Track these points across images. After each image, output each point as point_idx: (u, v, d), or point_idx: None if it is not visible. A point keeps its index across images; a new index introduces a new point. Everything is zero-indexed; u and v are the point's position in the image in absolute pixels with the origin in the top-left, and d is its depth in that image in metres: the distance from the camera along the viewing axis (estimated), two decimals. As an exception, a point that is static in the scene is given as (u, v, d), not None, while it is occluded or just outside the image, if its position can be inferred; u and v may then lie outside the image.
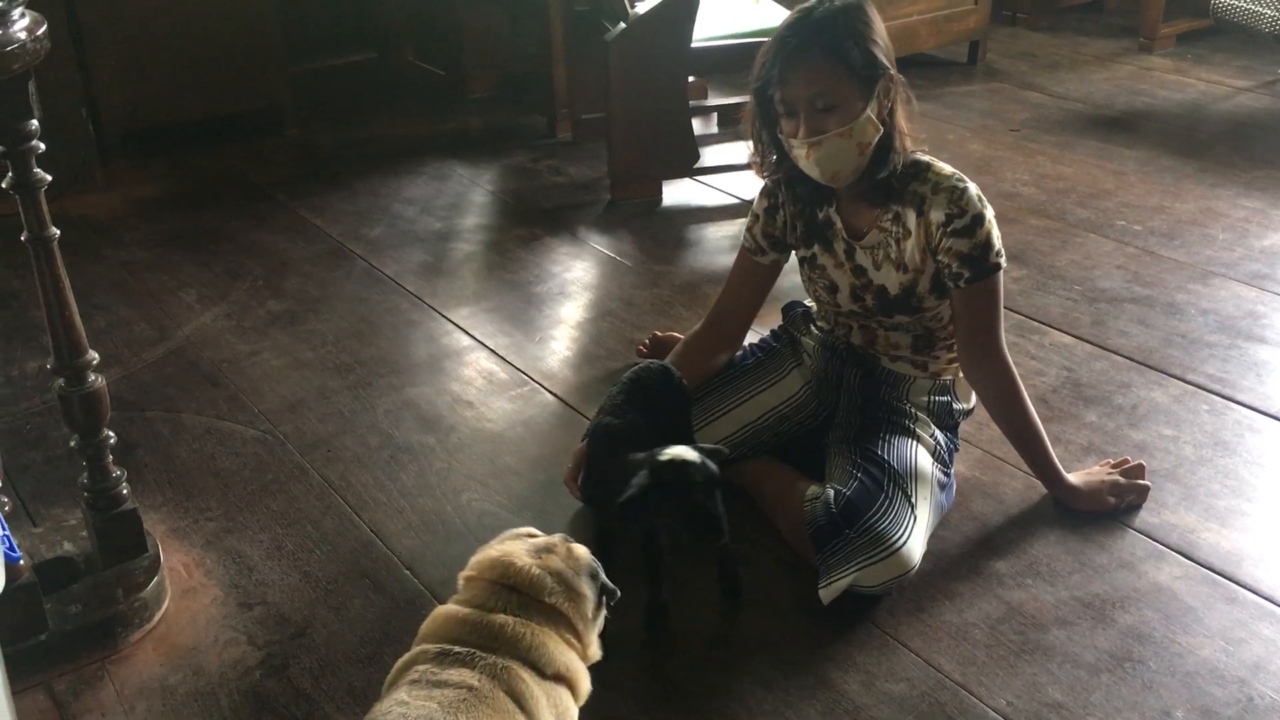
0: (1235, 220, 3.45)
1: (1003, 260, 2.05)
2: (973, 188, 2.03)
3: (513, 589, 1.40)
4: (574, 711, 1.39)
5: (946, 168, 2.06)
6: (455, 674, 1.31)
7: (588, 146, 4.15)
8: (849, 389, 2.23)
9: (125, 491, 1.93)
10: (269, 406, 2.59)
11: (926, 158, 2.07)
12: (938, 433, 2.19)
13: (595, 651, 1.46)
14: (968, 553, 2.07)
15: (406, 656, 1.39)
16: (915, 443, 2.12)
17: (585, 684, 1.43)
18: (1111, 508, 2.15)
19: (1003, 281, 2.07)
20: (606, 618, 1.51)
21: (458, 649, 1.35)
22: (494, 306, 3.09)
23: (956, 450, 2.25)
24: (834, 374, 2.26)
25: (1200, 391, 2.56)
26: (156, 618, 1.94)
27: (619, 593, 1.50)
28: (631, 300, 3.11)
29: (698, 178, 3.87)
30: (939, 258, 2.03)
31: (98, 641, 1.86)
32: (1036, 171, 3.89)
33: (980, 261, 2.02)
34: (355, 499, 2.27)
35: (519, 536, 1.49)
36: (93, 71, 3.91)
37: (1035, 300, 3.00)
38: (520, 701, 1.31)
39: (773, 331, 2.42)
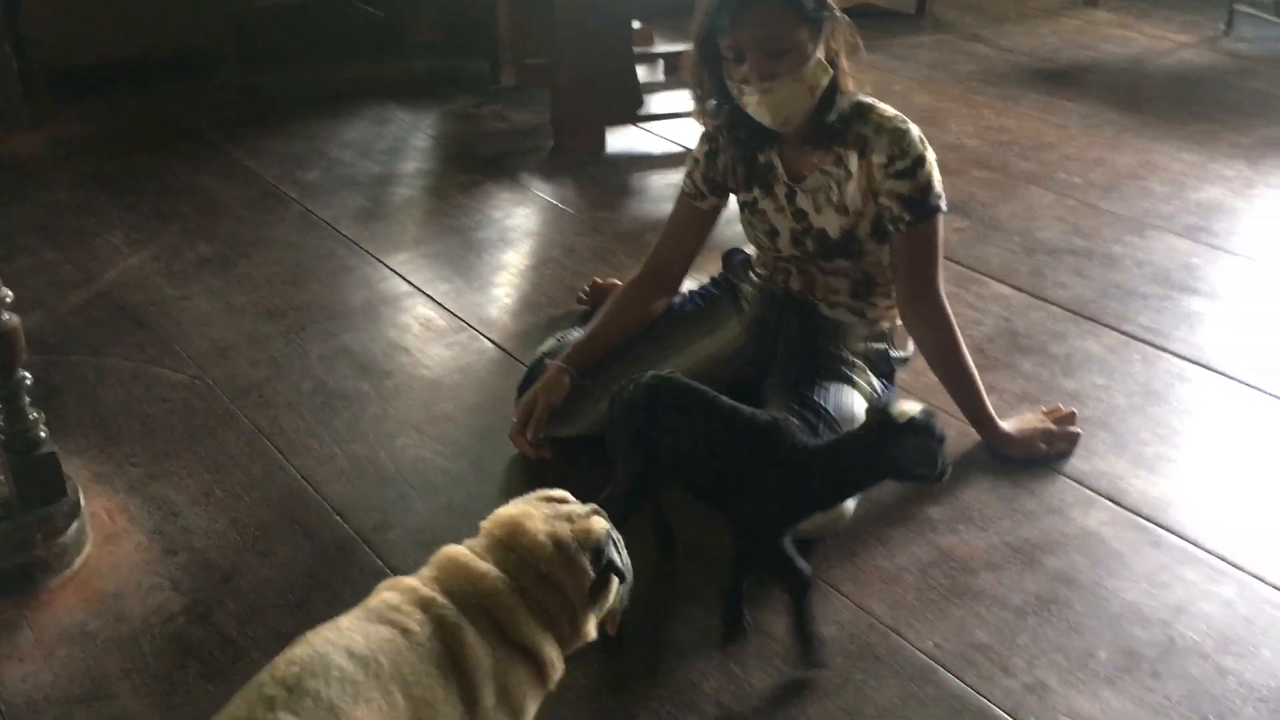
0: (1173, 173, 3.48)
1: (943, 204, 2.04)
2: (914, 129, 2.02)
3: (512, 550, 1.34)
4: (523, 689, 1.32)
5: (889, 109, 2.05)
6: (406, 612, 1.27)
7: (532, 92, 4.09)
8: (788, 336, 2.22)
9: (43, 435, 1.88)
10: (198, 351, 2.54)
11: (869, 99, 2.05)
12: (874, 380, 2.19)
13: (589, 631, 1.39)
14: (901, 499, 2.08)
15: (394, 579, 1.35)
16: (852, 389, 2.12)
17: (556, 667, 1.36)
18: (1043, 454, 2.17)
19: (942, 226, 2.06)
20: (622, 600, 1.43)
21: (425, 590, 1.30)
22: (433, 253, 3.04)
23: (894, 398, 2.26)
24: (773, 321, 2.25)
25: (1133, 341, 2.58)
26: (77, 563, 1.89)
27: (628, 576, 1.41)
28: (573, 248, 3.08)
29: (642, 125, 3.84)
30: (880, 200, 2.03)
31: (15, 587, 1.82)
32: (981, 123, 3.90)
33: (920, 204, 2.01)
34: (286, 445, 2.23)
35: (548, 499, 1.43)
36: (19, 6, 3.77)
37: (975, 251, 3.00)
38: (457, 659, 1.26)
39: (712, 278, 2.40)
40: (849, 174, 2.04)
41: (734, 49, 1.94)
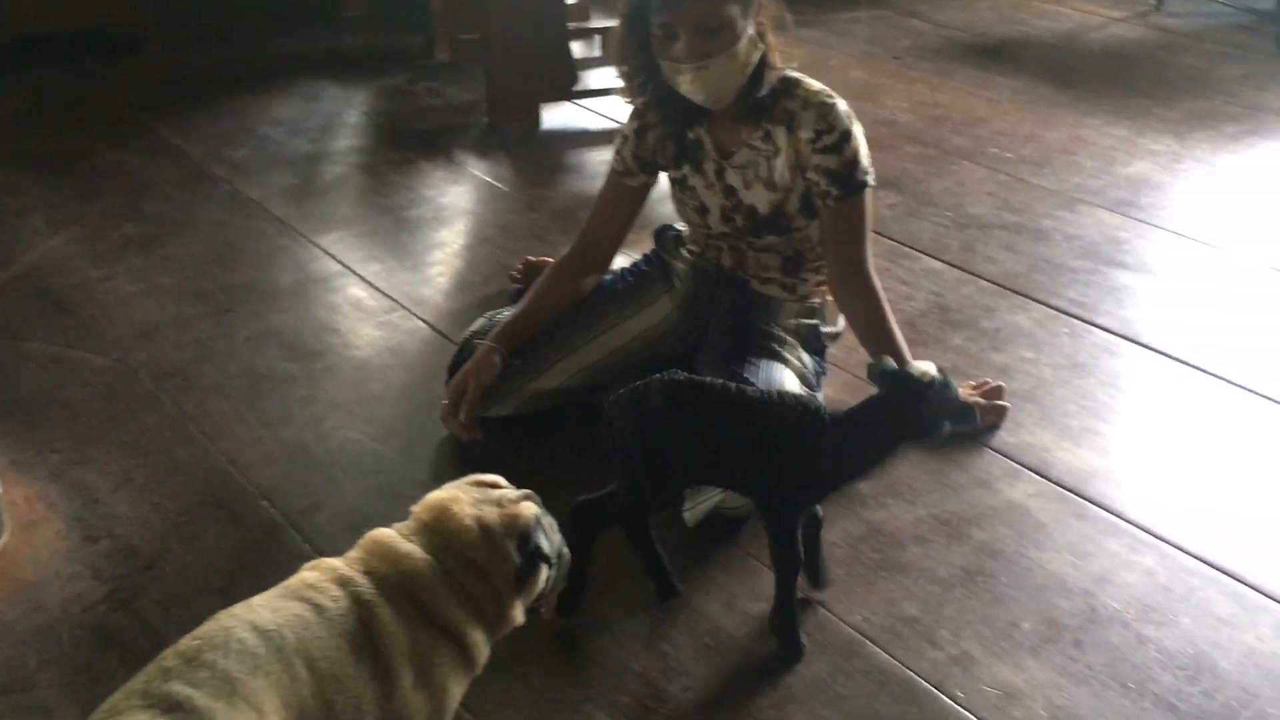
0: (1103, 148, 3.52)
1: (870, 179, 2.05)
2: (841, 104, 2.02)
3: (439, 533, 1.34)
4: (445, 671, 1.31)
5: (815, 84, 2.05)
6: (321, 590, 1.27)
7: (466, 68, 4.05)
8: (719, 313, 2.22)
9: (-44, 422, 1.83)
10: (121, 334, 2.49)
11: (795, 74, 2.05)
12: (805, 356, 2.19)
13: (516, 616, 1.39)
14: (831, 474, 2.09)
15: (318, 560, 1.35)
16: (783, 366, 2.13)
17: (480, 651, 1.36)
18: (971, 428, 2.19)
19: (871, 200, 2.07)
20: (552, 583, 1.44)
21: (345, 569, 1.31)
22: (365, 232, 3.00)
23: (824, 374, 2.27)
24: (704, 298, 2.24)
25: (1061, 315, 2.62)
26: (-5, 553, 1.86)
27: (554, 561, 1.41)
28: (507, 226, 3.05)
29: (577, 101, 3.81)
30: (808, 175, 2.03)
31: (-71, 578, 1.78)
32: (915, 99, 3.92)
33: (848, 179, 2.02)
34: (212, 428, 2.19)
35: (479, 483, 1.43)
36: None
37: (908, 226, 3.02)
38: (372, 637, 1.26)
39: (645, 256, 2.39)
40: (777, 149, 2.04)
41: (666, 28, 1.93)
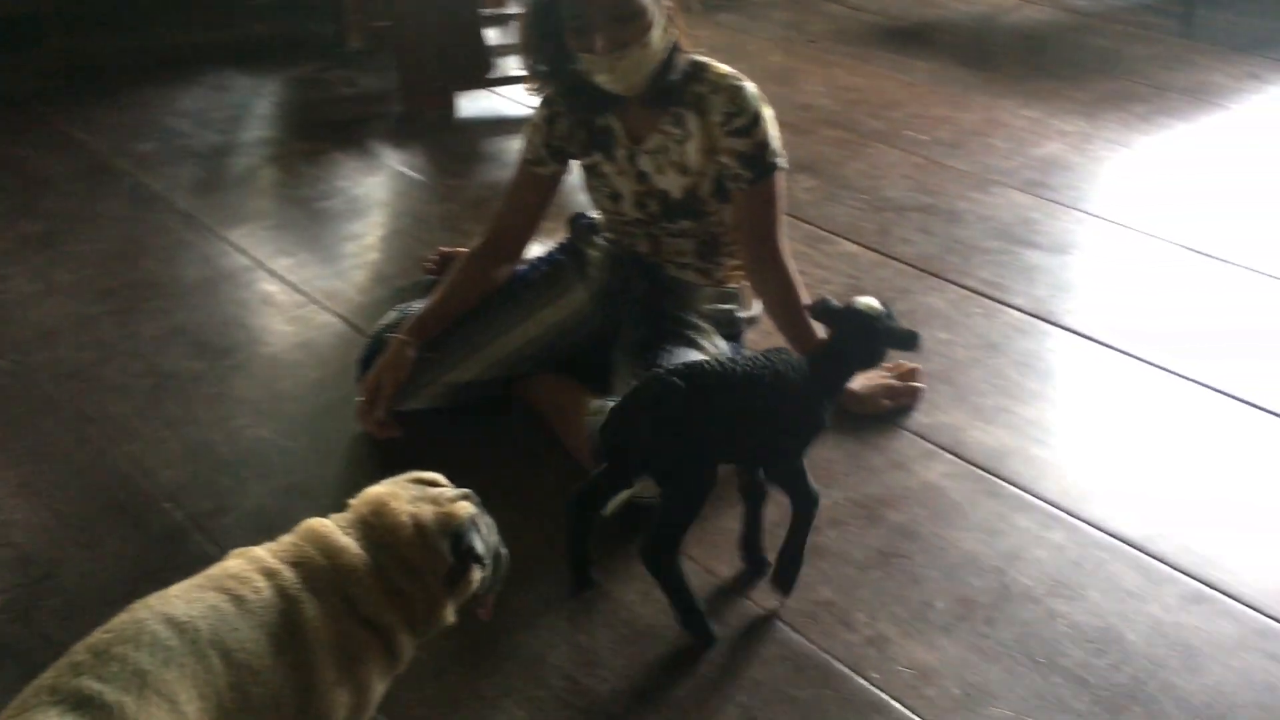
0: (1016, 130, 3.56)
1: (781, 161, 2.05)
2: (750, 86, 2.01)
3: (375, 528, 1.32)
4: (369, 666, 1.29)
5: (723, 67, 2.04)
6: (243, 579, 1.25)
7: (379, 56, 3.98)
8: (634, 300, 2.21)
9: None
10: (19, 335, 2.41)
11: (703, 58, 2.04)
12: (720, 342, 2.19)
13: (446, 615, 1.37)
14: (749, 460, 2.09)
15: (245, 549, 1.32)
16: (699, 353, 2.12)
17: (406, 649, 1.35)
18: (887, 410, 2.21)
19: (782, 183, 2.07)
20: (488, 584, 1.42)
21: (270, 560, 1.28)
22: (275, 225, 2.94)
23: (741, 359, 2.27)
24: (619, 286, 2.23)
25: (975, 296, 2.64)
26: (-117, 566, 1.78)
27: (487, 561, 1.38)
28: (422, 216, 3.01)
29: (493, 88, 3.76)
30: (719, 158, 2.02)
31: None
32: (832, 83, 3.93)
33: (759, 161, 2.01)
34: (114, 431, 2.13)
35: (418, 480, 1.41)
36: None
37: (825, 210, 3.03)
38: (294, 628, 1.24)
39: (559, 244, 2.36)
40: (688, 134, 2.03)
41: (580, 20, 1.90)
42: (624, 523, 1.90)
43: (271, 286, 2.64)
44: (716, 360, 1.64)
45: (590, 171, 2.16)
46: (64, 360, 2.33)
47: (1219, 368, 2.39)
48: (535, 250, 2.33)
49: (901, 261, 2.78)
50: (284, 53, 4.08)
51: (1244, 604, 1.79)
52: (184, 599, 1.22)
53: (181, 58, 4.00)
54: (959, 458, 2.11)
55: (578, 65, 1.96)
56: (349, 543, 1.30)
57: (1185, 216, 3.05)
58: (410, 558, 1.32)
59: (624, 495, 1.88)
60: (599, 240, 2.29)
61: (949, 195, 3.12)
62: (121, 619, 1.19)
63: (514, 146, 3.43)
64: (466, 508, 1.38)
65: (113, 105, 3.60)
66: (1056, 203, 3.10)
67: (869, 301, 1.71)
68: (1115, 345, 2.46)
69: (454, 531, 1.34)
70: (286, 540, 1.33)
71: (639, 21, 1.89)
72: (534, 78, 2.08)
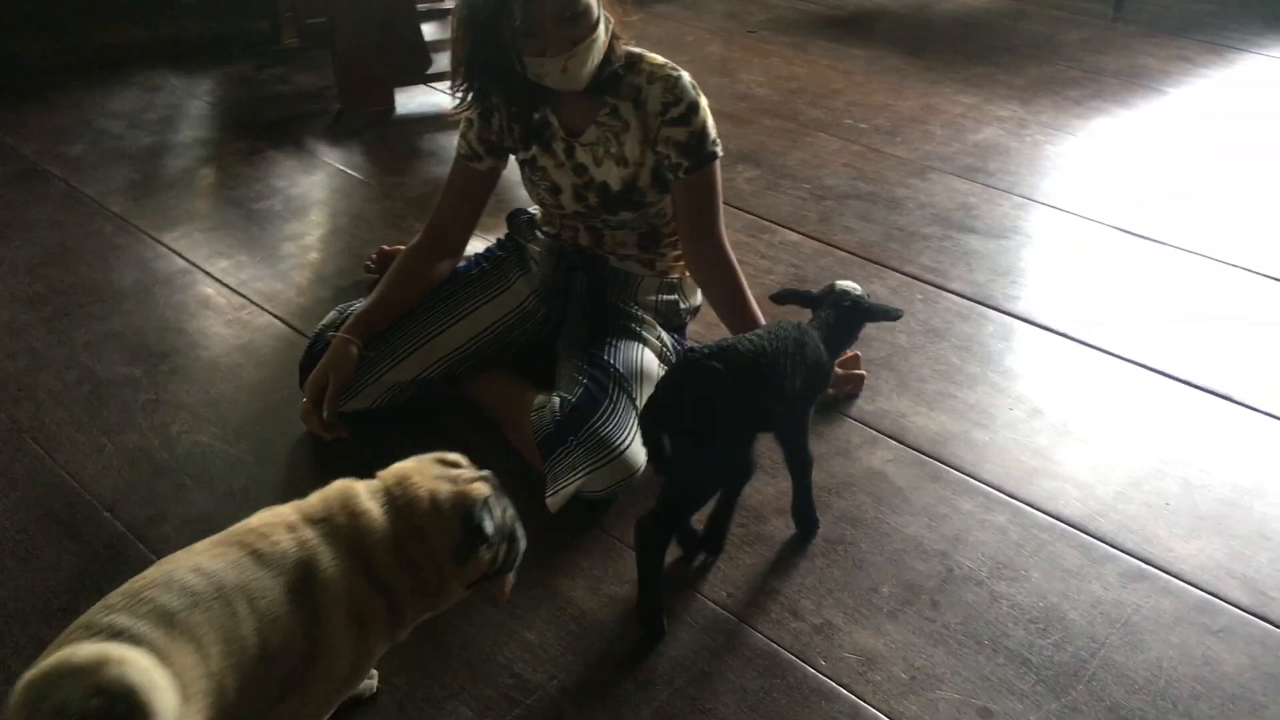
0: (953, 116, 3.59)
1: (719, 149, 2.05)
2: (686, 76, 2.01)
3: (397, 498, 1.40)
4: (373, 625, 1.36)
5: (658, 58, 2.04)
6: (264, 534, 1.33)
7: (315, 53, 3.94)
8: (576, 294, 2.20)
9: None
10: (-52, 345, 2.35)
11: (637, 49, 2.04)
12: (664, 334, 2.19)
13: (455, 590, 1.43)
14: (694, 451, 2.09)
15: (273, 507, 1.40)
16: (641, 345, 2.12)
17: (408, 618, 1.41)
18: (831, 398, 2.22)
19: (719, 172, 2.07)
20: (501, 564, 1.45)
21: (293, 517, 1.36)
22: (211, 226, 2.89)
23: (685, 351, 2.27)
24: (561, 279, 2.22)
25: (915, 282, 2.66)
26: None
27: (494, 541, 1.42)
28: (362, 215, 2.98)
29: (431, 84, 3.73)
30: (658, 148, 2.02)
31: None
32: (771, 72, 3.94)
33: (698, 150, 2.01)
34: (49, 440, 2.09)
35: (440, 460, 1.49)
36: None
37: (766, 200, 3.04)
38: (310, 581, 1.31)
39: (499, 240, 2.35)
40: (626, 125, 2.02)
41: (529, 23, 1.86)
42: (568, 518, 1.90)
43: (209, 289, 2.60)
44: (744, 339, 1.67)
45: (528, 165, 2.15)
46: (-5, 370, 2.29)
47: (1155, 348, 2.43)
48: (475, 246, 2.31)
49: (843, 250, 2.79)
50: (218, 51, 4.02)
51: (1182, 580, 1.83)
52: (210, 552, 1.30)
53: (112, 57, 3.93)
54: (902, 443, 2.13)
55: (520, 69, 1.93)
56: (372, 507, 1.38)
57: (1120, 199, 3.10)
58: (425, 530, 1.38)
59: (569, 489, 1.89)
60: (539, 235, 2.28)
61: (889, 182, 3.14)
62: (153, 570, 1.27)
63: (453, 143, 3.40)
64: (482, 489, 1.44)
65: (41, 107, 3.52)
66: (994, 188, 3.14)
67: (850, 285, 1.90)
68: (1054, 328, 2.49)
69: (465, 510, 1.40)
70: (314, 498, 1.41)
71: (586, 19, 1.88)
72: (470, 89, 2.04)
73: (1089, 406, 2.25)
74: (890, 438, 2.14)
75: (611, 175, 2.07)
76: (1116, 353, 2.41)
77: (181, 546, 1.81)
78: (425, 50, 3.62)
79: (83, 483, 1.99)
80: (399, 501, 1.39)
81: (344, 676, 1.36)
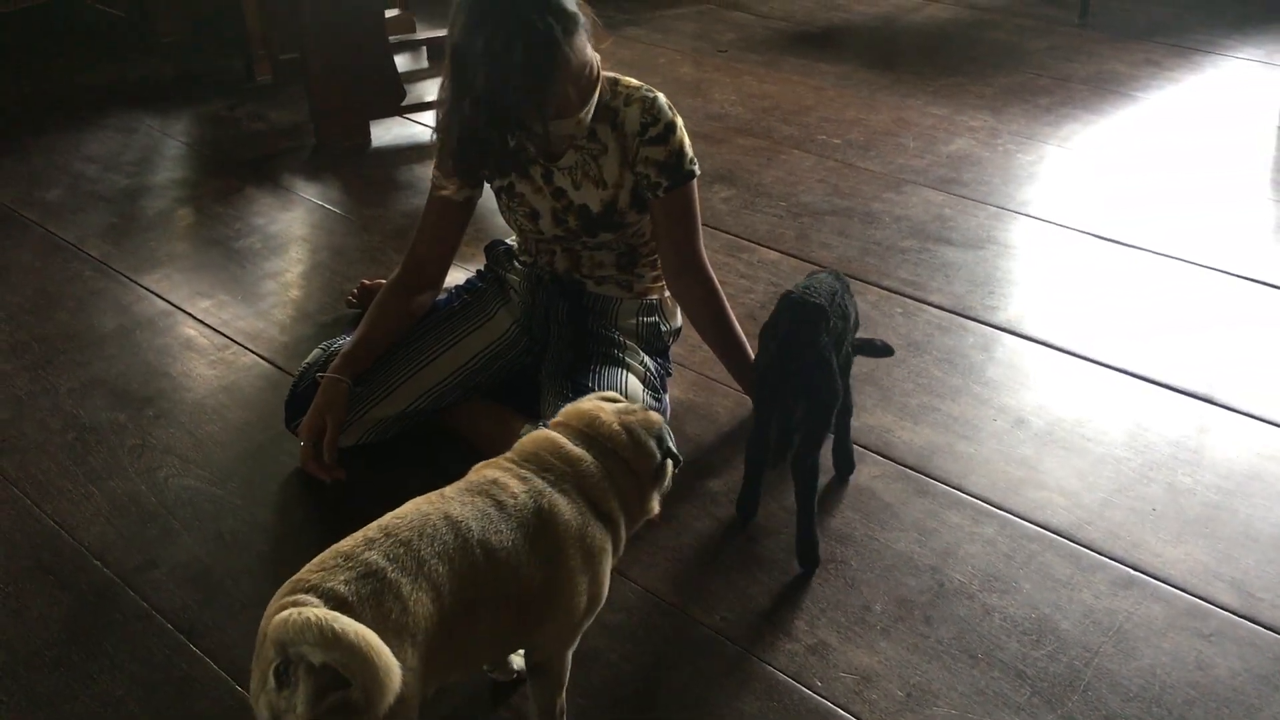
0: (925, 128, 3.62)
1: (696, 167, 2.08)
2: (662, 97, 2.04)
3: (594, 438, 1.52)
4: (607, 554, 1.50)
5: (633, 80, 2.06)
6: (506, 485, 1.44)
7: (289, 89, 3.94)
8: (558, 322, 2.21)
9: None
10: (-71, 398, 2.34)
11: (611, 73, 2.05)
12: (647, 359, 2.20)
13: (654, 506, 1.58)
14: (683, 475, 2.08)
15: (492, 460, 1.51)
16: (625, 371, 2.13)
17: (624, 540, 1.55)
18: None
19: (697, 190, 2.09)
20: (672, 476, 1.60)
21: (522, 469, 1.48)
22: (191, 267, 2.89)
23: (669, 375, 2.28)
24: (542, 308, 2.23)
25: (894, 295, 2.68)
26: None
27: (682, 460, 1.61)
28: (341, 249, 2.98)
29: (407, 115, 3.74)
30: (637, 169, 2.04)
31: None
32: (744, 91, 3.97)
33: (676, 169, 2.04)
34: (35, 490, 2.08)
35: (605, 398, 1.63)
36: None
37: (744, 219, 3.06)
38: (548, 527, 1.42)
39: (478, 271, 2.36)
40: (604, 148, 2.04)
41: (554, 94, 1.88)
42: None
43: (191, 330, 2.60)
44: (817, 278, 1.92)
45: (505, 193, 2.16)
46: (-22, 420, 2.28)
47: (1135, 353, 2.45)
48: (454, 278, 2.32)
49: (822, 266, 2.81)
50: (192, 91, 4.02)
51: (1172, 585, 1.84)
52: (458, 501, 1.41)
53: (85, 100, 3.93)
54: (888, 458, 2.14)
55: (543, 135, 1.93)
56: (582, 452, 1.50)
57: (1095, 205, 3.13)
58: (629, 459, 1.53)
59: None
60: (517, 264, 2.28)
61: (864, 197, 3.17)
62: (408, 508, 1.40)
63: (430, 173, 3.42)
64: (657, 415, 1.60)
65: (15, 152, 3.51)
66: (968, 199, 3.16)
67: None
68: (1034, 337, 2.51)
69: (657, 433, 1.56)
70: (526, 452, 1.51)
71: (594, 71, 1.92)
72: (471, 172, 2.06)
73: (1072, 414, 2.26)
74: (876, 453, 2.15)
75: (591, 197, 2.08)
76: (1097, 359, 2.43)
77: (174, 592, 1.83)
78: (399, 82, 3.63)
79: (71, 531, 1.98)
80: (599, 440, 1.52)
81: (584, 609, 1.48)
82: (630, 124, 2.02)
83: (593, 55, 1.93)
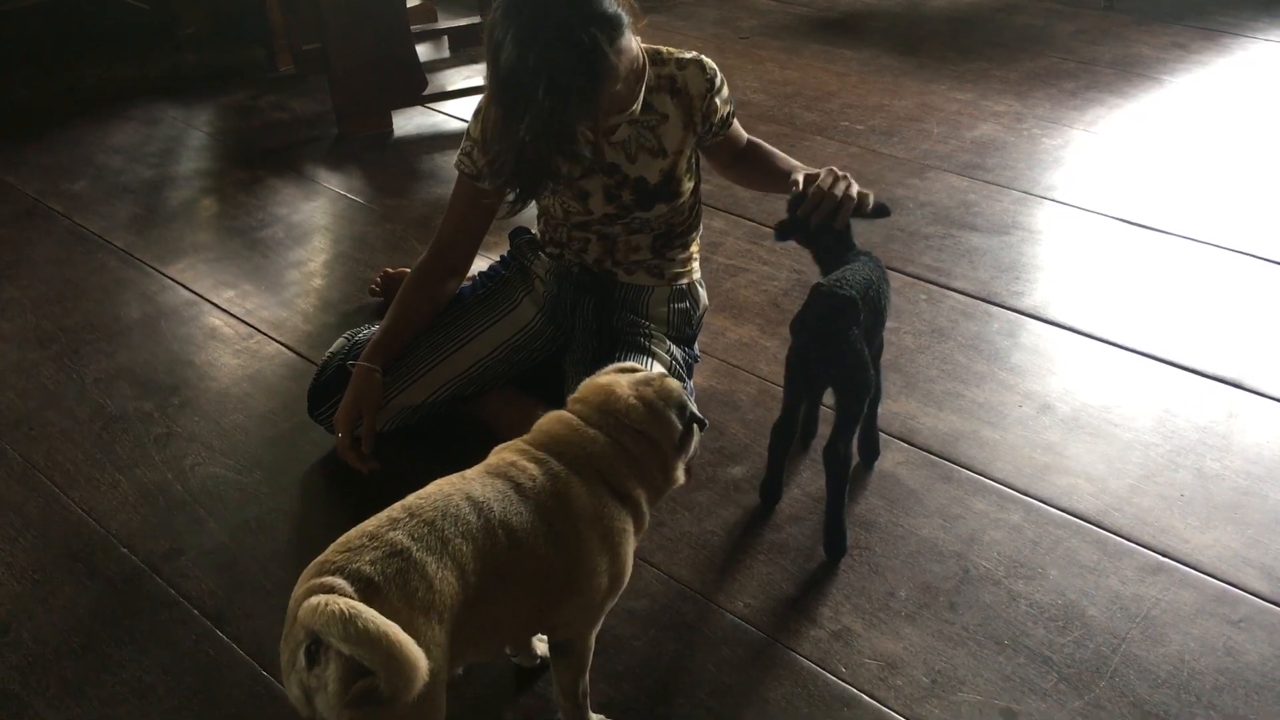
0: (949, 114, 3.59)
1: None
2: (702, 56, 2.09)
3: (610, 414, 1.50)
4: (627, 534, 1.49)
5: (671, 48, 2.06)
6: (521, 468, 1.45)
7: (312, 79, 3.95)
8: (584, 313, 2.20)
9: None
10: (-41, 388, 2.36)
11: (649, 46, 2.04)
12: (674, 348, 2.19)
13: (679, 476, 1.56)
14: (706, 462, 2.10)
15: (509, 443, 1.52)
16: (651, 360, 2.12)
17: (647, 513, 1.53)
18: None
19: None
20: (697, 446, 1.59)
21: (538, 452, 1.47)
22: (215, 257, 2.90)
23: (696, 362, 2.27)
24: (568, 300, 2.22)
25: (919, 282, 2.67)
26: None
27: (707, 422, 1.59)
28: (364, 238, 2.99)
29: (429, 105, 3.74)
30: (712, 120, 2.10)
31: None
32: (766, 78, 3.95)
33: (732, 105, 2.17)
34: (63, 478, 2.10)
35: (623, 370, 1.62)
36: None
37: (767, 206, 3.04)
38: (564, 507, 1.43)
39: (501, 258, 2.36)
40: (664, 117, 2.05)
41: (609, 99, 1.87)
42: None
43: (216, 320, 2.61)
44: (851, 270, 1.89)
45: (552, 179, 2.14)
46: (7, 409, 2.29)
47: (1162, 338, 2.43)
48: (477, 266, 2.31)
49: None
50: (214, 82, 4.03)
51: (1200, 571, 1.82)
52: (479, 482, 1.42)
53: (110, 93, 3.95)
54: (912, 445, 2.13)
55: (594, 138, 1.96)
56: (595, 433, 1.49)
57: (1121, 190, 3.10)
58: (647, 431, 1.51)
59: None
60: (543, 255, 2.28)
61: (887, 183, 3.15)
62: (432, 489, 1.41)
63: (452, 162, 3.42)
64: (676, 383, 1.57)
65: (41, 145, 3.54)
66: (993, 184, 3.14)
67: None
68: (1059, 322, 2.49)
69: (677, 402, 1.54)
70: (542, 434, 1.52)
71: (639, 63, 1.91)
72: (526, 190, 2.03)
73: (1098, 400, 2.25)
74: (900, 440, 2.14)
75: (649, 169, 2.08)
76: (1124, 344, 2.41)
77: (201, 580, 1.84)
78: (421, 71, 3.64)
79: (99, 519, 2.00)
80: (614, 415, 1.50)
81: (605, 589, 1.47)
82: (695, 86, 2.05)
83: (637, 47, 1.91)
